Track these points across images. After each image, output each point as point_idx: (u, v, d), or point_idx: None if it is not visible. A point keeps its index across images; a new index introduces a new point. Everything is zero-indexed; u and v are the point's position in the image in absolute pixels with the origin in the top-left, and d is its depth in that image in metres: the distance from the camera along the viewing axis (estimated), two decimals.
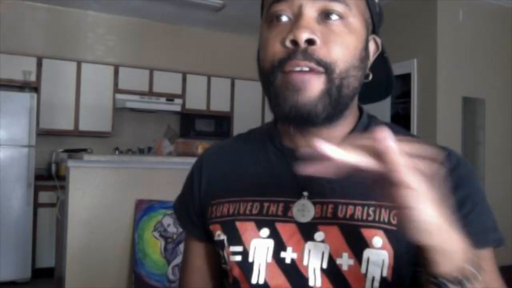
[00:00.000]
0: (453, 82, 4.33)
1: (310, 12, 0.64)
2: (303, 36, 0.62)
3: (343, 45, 0.64)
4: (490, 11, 4.52)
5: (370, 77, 0.71)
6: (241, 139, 0.82)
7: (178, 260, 2.76)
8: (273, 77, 0.66)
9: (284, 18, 0.65)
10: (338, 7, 0.64)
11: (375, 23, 0.71)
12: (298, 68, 0.63)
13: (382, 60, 0.75)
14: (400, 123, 4.51)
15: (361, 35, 0.67)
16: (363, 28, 0.67)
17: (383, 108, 4.69)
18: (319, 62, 0.63)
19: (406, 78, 4.56)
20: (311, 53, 0.63)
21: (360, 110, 0.76)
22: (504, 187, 4.46)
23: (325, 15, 0.64)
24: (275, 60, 0.65)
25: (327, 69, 0.63)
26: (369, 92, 0.74)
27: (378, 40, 0.73)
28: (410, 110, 4.51)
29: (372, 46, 0.72)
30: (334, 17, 0.64)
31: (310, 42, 0.63)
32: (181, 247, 2.77)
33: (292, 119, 0.66)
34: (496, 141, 4.56)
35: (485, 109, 4.54)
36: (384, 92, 0.80)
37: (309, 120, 0.65)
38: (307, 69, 0.63)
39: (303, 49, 0.63)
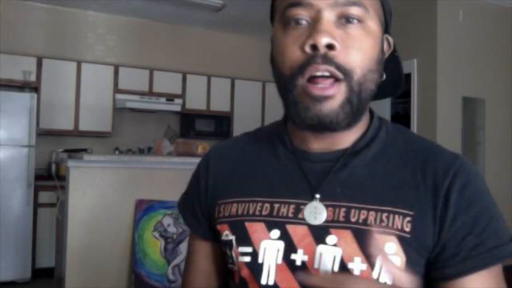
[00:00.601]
0: (453, 82, 4.33)
1: (329, 16, 0.63)
2: (324, 40, 0.61)
3: (361, 50, 0.63)
4: (490, 11, 4.52)
5: (384, 76, 0.70)
6: (249, 138, 0.81)
7: (178, 260, 2.76)
8: (292, 85, 0.64)
9: (302, 22, 0.64)
10: (357, 11, 0.63)
11: (387, 22, 0.71)
12: (319, 73, 0.62)
13: (392, 59, 0.75)
14: (400, 123, 4.47)
15: (378, 37, 0.66)
16: (379, 30, 0.67)
17: (383, 108, 4.68)
18: (339, 67, 0.62)
19: (406, 78, 4.55)
20: (331, 58, 0.62)
21: (371, 112, 0.76)
22: (504, 187, 4.46)
23: (344, 19, 0.63)
24: (295, 67, 0.64)
25: (346, 75, 0.63)
26: (377, 90, 0.74)
27: (391, 40, 0.72)
28: (410, 110, 4.51)
29: (385, 45, 0.71)
30: (353, 21, 0.63)
31: (330, 47, 0.62)
32: (181, 247, 2.77)
33: (314, 127, 0.65)
34: (496, 141, 4.56)
35: (485, 109, 4.54)
36: (392, 90, 0.80)
37: (331, 128, 0.65)
38: (327, 74, 0.62)
39: (323, 53, 0.62)
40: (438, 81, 4.26)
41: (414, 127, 4.43)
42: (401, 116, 4.79)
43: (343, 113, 0.64)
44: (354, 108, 0.64)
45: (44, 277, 4.18)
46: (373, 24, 0.65)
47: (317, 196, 0.68)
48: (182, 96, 5.42)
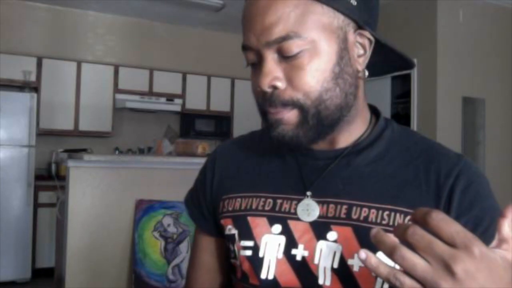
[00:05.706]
0: (453, 82, 4.33)
1: (270, 55, 0.64)
2: (265, 85, 0.64)
3: (308, 76, 0.63)
4: (490, 11, 4.52)
5: (366, 74, 0.69)
6: (255, 136, 0.83)
7: (178, 260, 2.76)
8: (260, 113, 0.70)
9: (255, 62, 0.68)
10: (291, 44, 0.62)
11: (355, 19, 0.66)
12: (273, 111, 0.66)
13: (381, 46, 0.71)
14: (400, 123, 4.48)
15: (329, 53, 0.64)
16: (331, 44, 0.64)
17: (383, 108, 4.67)
18: (285, 104, 0.64)
19: (406, 78, 4.56)
20: (276, 98, 0.65)
21: (377, 113, 0.76)
22: (504, 187, 4.46)
23: (284, 53, 0.64)
24: (257, 102, 0.69)
25: (295, 105, 0.64)
26: (392, 65, 0.75)
27: (366, 33, 0.68)
28: (410, 110, 4.51)
29: (363, 41, 0.68)
30: (292, 53, 0.63)
31: (274, 87, 0.64)
32: (181, 247, 2.77)
33: (281, 145, 0.69)
34: (496, 141, 4.56)
35: (485, 109, 4.54)
36: (404, 64, 0.78)
37: (295, 145, 0.67)
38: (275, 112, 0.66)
39: (269, 95, 0.65)
40: (438, 81, 4.26)
41: (414, 127, 4.43)
42: (401, 116, 4.78)
43: (302, 132, 0.66)
44: (312, 127, 0.66)
45: (44, 277, 4.18)
46: (319, 45, 0.63)
47: (308, 193, 0.70)
48: (182, 96, 5.42)
